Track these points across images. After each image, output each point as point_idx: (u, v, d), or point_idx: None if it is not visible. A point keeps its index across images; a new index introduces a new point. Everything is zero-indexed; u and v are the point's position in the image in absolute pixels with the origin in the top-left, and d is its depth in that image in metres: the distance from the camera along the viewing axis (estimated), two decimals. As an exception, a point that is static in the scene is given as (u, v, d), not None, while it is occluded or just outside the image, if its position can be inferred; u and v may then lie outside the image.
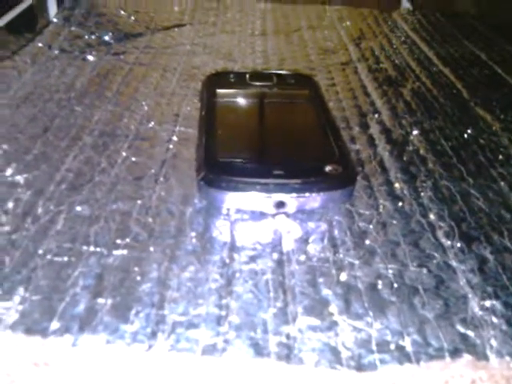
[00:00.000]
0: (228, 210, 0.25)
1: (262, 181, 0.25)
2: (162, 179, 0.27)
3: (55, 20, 0.49)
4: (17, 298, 0.20)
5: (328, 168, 0.26)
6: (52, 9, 0.51)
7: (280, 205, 0.25)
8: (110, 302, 0.20)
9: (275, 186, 0.24)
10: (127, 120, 0.33)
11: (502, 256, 0.24)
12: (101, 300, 0.20)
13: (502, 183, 0.29)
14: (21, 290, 0.20)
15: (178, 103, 0.35)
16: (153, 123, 0.33)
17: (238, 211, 0.25)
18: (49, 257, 0.22)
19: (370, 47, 0.48)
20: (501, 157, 0.31)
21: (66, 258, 0.22)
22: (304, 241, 0.24)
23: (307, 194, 0.25)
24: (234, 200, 0.25)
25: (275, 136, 0.29)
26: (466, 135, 0.34)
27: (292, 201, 0.25)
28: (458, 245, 0.24)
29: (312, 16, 0.55)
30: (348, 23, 0.54)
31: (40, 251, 0.22)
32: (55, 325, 0.19)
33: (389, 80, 0.41)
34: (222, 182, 0.25)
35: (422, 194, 0.27)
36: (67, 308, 0.19)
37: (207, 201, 0.26)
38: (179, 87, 0.38)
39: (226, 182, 0.25)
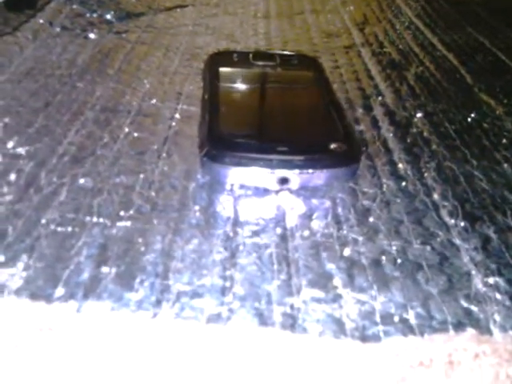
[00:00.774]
0: (231, 185, 0.25)
1: (266, 156, 0.24)
2: (164, 155, 0.27)
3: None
4: (21, 265, 0.19)
5: (332, 145, 0.26)
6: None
7: (283, 181, 0.25)
8: (114, 270, 0.20)
9: (278, 162, 0.24)
10: (129, 97, 0.33)
11: (505, 235, 0.24)
12: (105, 269, 0.20)
13: (506, 165, 0.29)
14: (24, 258, 0.20)
15: (181, 82, 0.35)
16: (155, 100, 0.32)
17: (242, 187, 0.25)
18: (52, 227, 0.21)
19: (374, 32, 0.47)
20: (504, 140, 0.31)
21: (69, 228, 0.21)
22: (308, 217, 0.24)
23: (311, 171, 0.24)
24: (237, 175, 0.25)
25: (279, 113, 0.29)
26: (469, 119, 0.34)
27: (295, 177, 0.24)
28: (462, 224, 0.24)
29: (315, 0, 0.55)
30: (351, 8, 0.53)
31: (43, 221, 0.22)
32: (60, 291, 0.19)
33: (392, 64, 0.41)
34: (224, 157, 0.25)
35: (426, 174, 0.27)
36: (71, 275, 0.19)
37: (210, 176, 0.26)
38: (182, 66, 0.37)
39: (229, 157, 0.25)
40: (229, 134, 0.26)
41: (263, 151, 0.25)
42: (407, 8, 0.54)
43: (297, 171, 0.24)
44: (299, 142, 0.26)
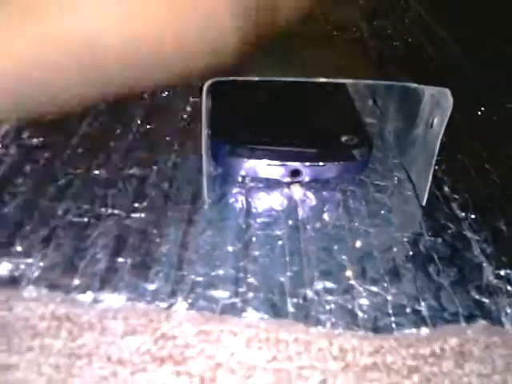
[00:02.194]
0: (243, 177, 0.25)
1: (277, 149, 0.25)
2: (176, 146, 0.27)
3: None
4: (38, 255, 0.20)
5: (344, 138, 0.26)
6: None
7: (295, 173, 0.25)
8: (129, 261, 0.20)
9: (290, 154, 0.25)
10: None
11: (515, 227, 0.24)
12: (121, 259, 0.20)
13: (516, 158, 0.29)
14: (41, 248, 0.20)
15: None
16: (167, 92, 0.32)
17: (253, 179, 0.25)
18: (68, 217, 0.22)
19: (383, 26, 0.47)
20: (514, 134, 0.31)
21: (85, 219, 0.22)
22: (319, 209, 0.24)
23: (322, 163, 0.25)
24: (248, 168, 0.25)
25: (290, 106, 0.29)
26: (479, 112, 0.34)
27: (307, 169, 0.25)
28: (473, 216, 0.24)
29: (324, -7, 0.55)
30: (361, 2, 0.53)
31: (59, 212, 0.22)
32: (77, 281, 0.19)
33: (401, 57, 0.41)
34: (237, 149, 0.25)
35: (436, 167, 0.27)
36: (88, 266, 0.20)
37: (222, 168, 0.26)
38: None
39: (241, 149, 0.25)
40: (240, 126, 0.26)
41: (275, 143, 0.25)
42: (416, 2, 0.54)
43: (308, 163, 0.25)
44: (311, 134, 0.26)
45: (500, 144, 0.30)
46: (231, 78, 0.24)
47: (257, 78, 0.22)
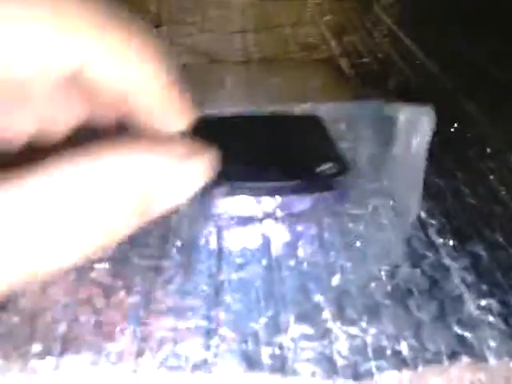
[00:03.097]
0: (214, 215, 0.25)
1: (250, 184, 0.24)
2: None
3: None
4: (-6, 320, 0.19)
5: (319, 169, 0.25)
6: None
7: (270, 207, 0.24)
8: (93, 320, 0.19)
9: (265, 189, 0.24)
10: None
11: (495, 252, 0.23)
12: (83, 318, 0.19)
13: (492, 177, 0.28)
14: (-2, 311, 0.19)
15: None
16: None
17: (225, 217, 0.24)
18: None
19: (352, 42, 0.47)
20: (489, 150, 0.31)
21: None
22: (293, 244, 0.23)
23: (298, 196, 0.24)
24: (221, 205, 0.24)
25: (261, 137, 0.28)
26: (452, 129, 0.33)
27: (282, 203, 0.24)
28: (451, 242, 0.24)
29: (292, 11, 0.55)
30: (329, 17, 0.53)
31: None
32: (37, 347, 0.18)
33: (372, 75, 0.41)
34: (207, 186, 0.24)
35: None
36: (48, 328, 0.18)
37: (192, 206, 0.25)
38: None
39: (212, 186, 0.24)
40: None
41: (248, 178, 0.24)
42: (384, 14, 0.54)
43: (284, 197, 0.24)
44: (285, 167, 0.25)
45: (475, 162, 0.30)
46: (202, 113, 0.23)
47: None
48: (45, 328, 0.18)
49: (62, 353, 0.18)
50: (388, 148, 0.25)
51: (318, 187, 0.25)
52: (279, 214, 0.24)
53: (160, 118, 0.15)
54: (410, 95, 0.37)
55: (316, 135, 0.28)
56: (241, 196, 0.24)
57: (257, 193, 0.24)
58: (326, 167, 0.25)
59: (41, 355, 0.17)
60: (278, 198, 0.24)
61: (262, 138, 0.28)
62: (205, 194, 0.24)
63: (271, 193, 0.24)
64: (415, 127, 0.22)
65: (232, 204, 0.24)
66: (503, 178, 0.28)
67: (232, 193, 0.24)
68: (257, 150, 0.27)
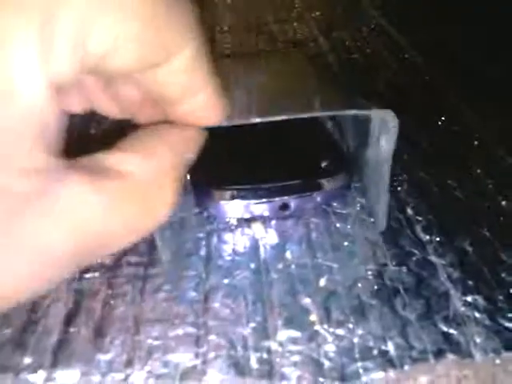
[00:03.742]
0: (201, 220, 0.25)
1: (258, 186, 0.24)
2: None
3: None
4: (-15, 335, 0.19)
5: (323, 165, 0.25)
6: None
7: (284, 207, 0.24)
8: (82, 330, 0.19)
9: (262, 192, 0.24)
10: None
11: (481, 247, 0.23)
12: (73, 329, 0.19)
13: (478, 170, 0.28)
14: (-11, 326, 0.19)
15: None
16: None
17: (212, 221, 0.25)
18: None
19: (341, 37, 0.47)
20: (476, 142, 0.31)
21: (35, 287, 0.21)
22: (281, 247, 0.23)
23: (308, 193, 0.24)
24: (211, 209, 0.24)
25: (258, 140, 0.28)
26: (439, 123, 0.33)
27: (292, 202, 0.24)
28: (437, 239, 0.24)
29: (280, 8, 0.55)
30: (317, 13, 0.53)
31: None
32: (27, 360, 0.18)
33: (361, 71, 0.41)
34: (196, 191, 0.24)
35: (399, 188, 0.27)
36: (39, 340, 0.19)
37: (180, 212, 0.25)
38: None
39: (203, 191, 0.24)
40: (203, 166, 0.25)
41: (241, 182, 0.24)
42: (372, 8, 0.54)
43: (294, 196, 0.24)
44: (287, 167, 0.25)
45: (462, 155, 0.30)
46: None
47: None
48: (35, 339, 0.19)
49: (52, 364, 0.18)
50: (363, 148, 0.25)
51: (321, 186, 0.25)
52: (271, 215, 0.24)
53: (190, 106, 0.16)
54: (397, 88, 0.38)
55: (315, 133, 0.28)
56: (233, 200, 0.24)
57: (254, 196, 0.24)
58: (329, 164, 0.25)
59: (32, 367, 0.18)
60: (270, 201, 0.24)
61: (258, 140, 0.28)
62: (200, 200, 0.24)
63: (269, 195, 0.24)
64: (383, 128, 0.22)
65: (222, 208, 0.24)
66: (490, 172, 0.28)
67: (228, 197, 0.24)
68: (258, 153, 0.27)
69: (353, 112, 0.21)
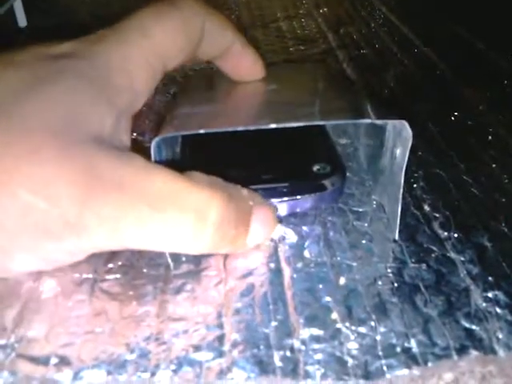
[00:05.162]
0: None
1: (250, 187, 0.24)
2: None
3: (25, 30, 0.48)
4: (12, 336, 0.19)
5: (316, 167, 0.25)
6: (21, 20, 0.49)
7: None
8: (107, 330, 0.19)
9: (264, 192, 0.24)
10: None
11: (500, 243, 0.23)
12: (98, 329, 0.19)
13: (494, 165, 0.28)
14: (13, 326, 0.19)
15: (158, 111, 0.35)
16: (135, 134, 0.32)
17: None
18: (40, 288, 0.21)
19: (349, 33, 0.47)
20: (490, 137, 0.31)
21: (58, 289, 0.21)
22: (299, 246, 0.23)
23: (297, 197, 0.24)
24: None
25: (259, 140, 0.28)
26: (453, 118, 0.33)
27: (282, 205, 0.24)
28: (455, 235, 0.24)
29: (288, 5, 0.55)
30: (325, 9, 0.53)
31: (30, 283, 0.21)
32: (54, 359, 0.18)
33: (371, 66, 0.41)
34: None
35: (415, 185, 0.27)
36: (65, 340, 0.19)
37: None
38: (159, 94, 0.37)
39: None
40: (211, 167, 0.25)
41: (246, 182, 0.24)
42: (380, 3, 0.53)
43: (283, 199, 0.24)
44: (282, 168, 0.26)
45: (477, 151, 0.30)
46: (178, 133, 0.23)
47: (202, 131, 0.21)
48: (61, 341, 0.19)
49: (79, 364, 0.18)
50: (378, 154, 0.25)
51: (316, 188, 0.25)
52: (282, 214, 0.24)
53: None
54: (409, 86, 0.37)
55: (313, 134, 0.28)
56: None
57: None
58: (323, 167, 0.25)
59: (59, 367, 0.18)
60: (278, 200, 0.24)
61: (258, 140, 0.28)
62: None
63: (267, 196, 0.24)
64: (397, 138, 0.22)
65: None
66: (506, 166, 0.28)
67: None
68: (255, 152, 0.27)
69: (367, 121, 0.21)
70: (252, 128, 0.21)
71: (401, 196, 0.22)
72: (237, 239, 0.21)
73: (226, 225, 0.20)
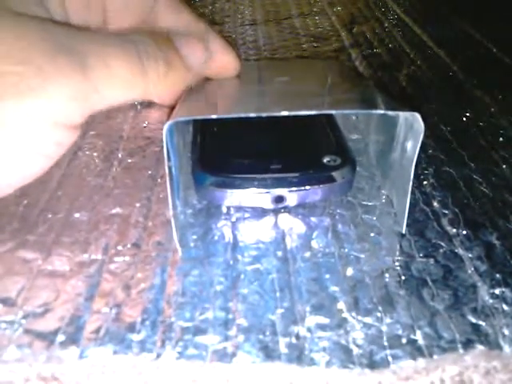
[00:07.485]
0: (228, 208, 0.25)
1: (260, 176, 0.24)
2: (159, 180, 0.27)
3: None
4: (20, 313, 0.19)
5: (326, 159, 0.25)
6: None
7: (279, 200, 0.24)
8: (114, 311, 0.19)
9: (273, 181, 0.24)
10: (120, 120, 0.32)
11: (508, 241, 0.23)
12: (105, 309, 0.19)
13: (504, 166, 0.28)
14: (22, 303, 0.19)
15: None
16: (147, 122, 0.32)
17: (239, 209, 0.25)
18: (49, 267, 0.21)
19: (363, 32, 0.47)
20: (501, 139, 0.31)
21: (66, 267, 0.21)
22: (307, 236, 0.23)
23: (307, 187, 0.24)
24: (233, 198, 0.24)
25: (270, 130, 0.28)
26: (464, 118, 0.33)
27: (291, 195, 0.24)
28: (464, 232, 0.24)
29: (302, 2, 0.55)
30: (339, 8, 0.53)
31: (39, 262, 0.21)
32: (60, 337, 0.18)
33: (383, 65, 0.40)
34: (218, 180, 0.24)
35: (425, 182, 0.27)
36: (71, 319, 0.19)
37: (206, 200, 0.25)
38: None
39: (224, 179, 0.24)
40: (221, 155, 0.26)
41: (257, 171, 0.24)
42: (394, 4, 0.53)
43: (292, 188, 0.24)
44: (293, 158, 0.26)
45: (487, 151, 0.30)
46: (191, 117, 0.23)
47: (214, 116, 0.21)
48: (68, 319, 0.19)
49: (85, 343, 0.18)
50: (389, 148, 0.25)
51: (326, 179, 0.25)
52: (291, 204, 0.24)
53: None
54: (421, 84, 0.37)
55: (324, 127, 0.28)
56: (251, 189, 0.24)
57: (266, 185, 0.24)
58: (333, 159, 0.25)
59: (65, 345, 0.18)
60: (287, 190, 0.24)
61: (270, 130, 0.28)
62: (216, 187, 0.24)
63: (280, 185, 0.24)
64: (409, 131, 0.22)
65: (243, 197, 0.24)
66: (516, 167, 0.28)
67: (242, 186, 0.24)
68: (266, 142, 0.27)
69: (379, 111, 0.21)
70: (264, 115, 0.21)
71: (410, 189, 0.22)
72: (171, 62, 0.22)
73: (154, 49, 0.21)
